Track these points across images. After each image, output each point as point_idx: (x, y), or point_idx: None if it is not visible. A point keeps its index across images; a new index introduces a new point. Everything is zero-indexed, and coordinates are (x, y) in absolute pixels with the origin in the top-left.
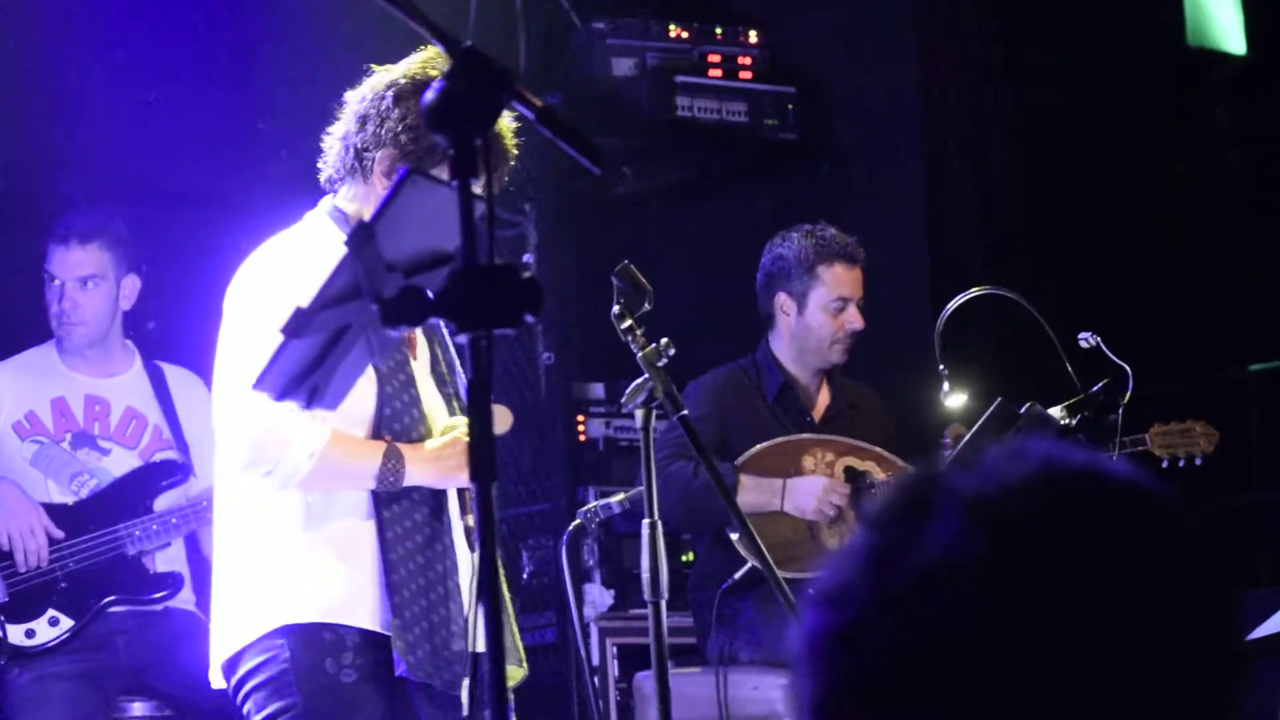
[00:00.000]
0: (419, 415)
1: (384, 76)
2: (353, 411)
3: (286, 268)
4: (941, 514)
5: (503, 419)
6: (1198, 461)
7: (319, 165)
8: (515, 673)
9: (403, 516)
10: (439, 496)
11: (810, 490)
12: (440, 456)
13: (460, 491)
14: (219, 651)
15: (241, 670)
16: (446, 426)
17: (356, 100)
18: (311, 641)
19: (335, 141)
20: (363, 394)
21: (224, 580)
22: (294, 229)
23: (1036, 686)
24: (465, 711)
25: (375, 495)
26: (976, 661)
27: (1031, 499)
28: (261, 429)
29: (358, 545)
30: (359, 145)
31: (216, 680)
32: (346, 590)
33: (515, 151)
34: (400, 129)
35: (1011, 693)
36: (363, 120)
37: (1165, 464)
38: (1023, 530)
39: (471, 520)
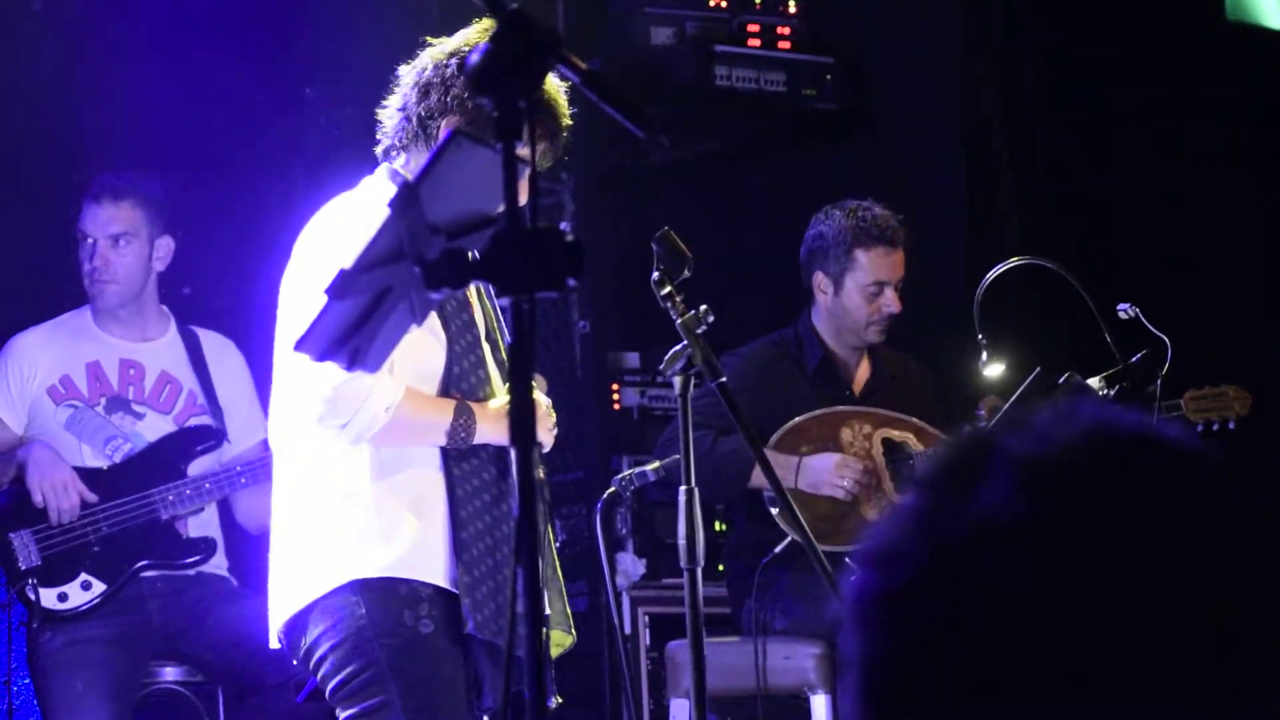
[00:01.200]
0: (485, 375)
1: (445, 46)
2: (423, 369)
3: (351, 228)
4: (994, 474)
5: (537, 386)
6: (1231, 425)
7: (372, 133)
8: (564, 639)
9: (471, 475)
10: (504, 456)
11: (823, 467)
12: (507, 414)
13: None
14: (282, 610)
15: (312, 631)
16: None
17: (415, 72)
18: (388, 594)
19: (394, 112)
20: (432, 352)
21: (287, 537)
22: (356, 191)
23: (1091, 644)
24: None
25: (445, 452)
26: (1030, 620)
27: (1085, 459)
28: (339, 381)
29: (428, 501)
30: (422, 114)
31: (275, 640)
32: (417, 545)
33: (568, 121)
34: (466, 95)
35: (1066, 650)
36: (425, 89)
37: (1200, 428)
38: (1077, 489)
39: (542, 473)
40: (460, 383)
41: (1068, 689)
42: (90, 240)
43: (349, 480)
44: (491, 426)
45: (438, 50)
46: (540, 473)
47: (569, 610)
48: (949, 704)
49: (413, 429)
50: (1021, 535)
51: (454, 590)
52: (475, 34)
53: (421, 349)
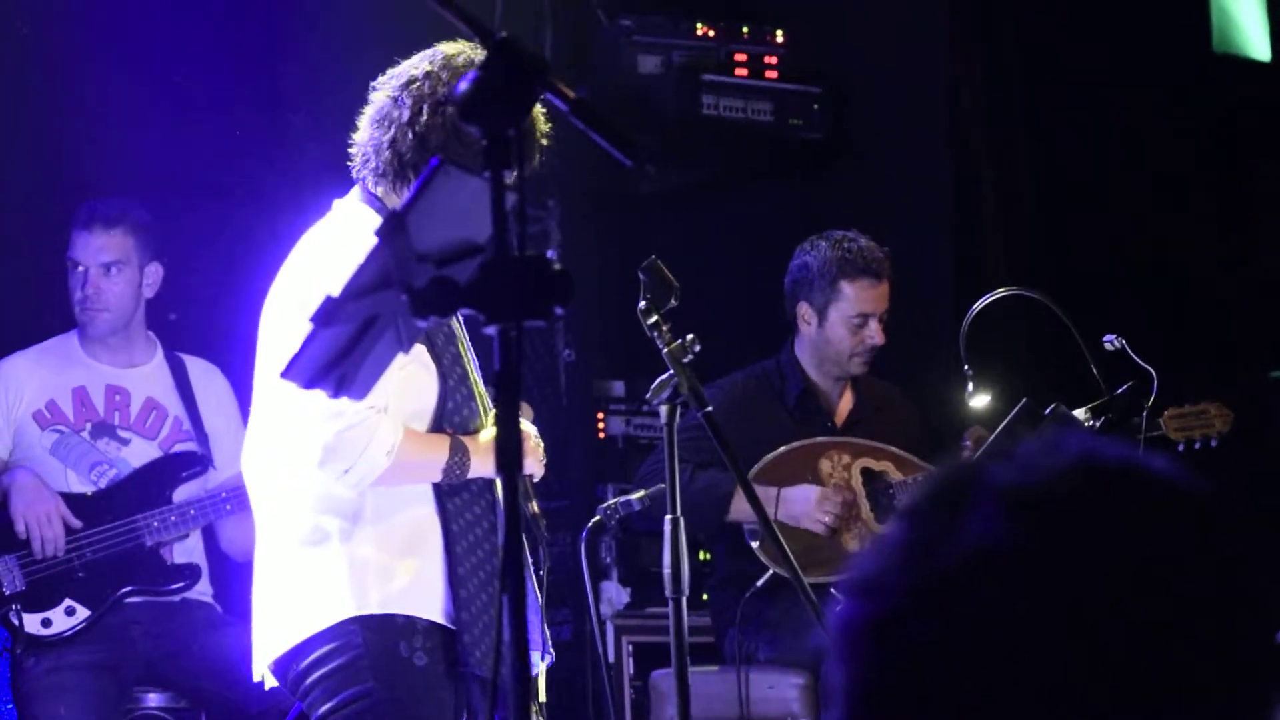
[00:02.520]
0: (477, 408)
1: (430, 84)
2: (417, 405)
3: (333, 257)
4: (978, 504)
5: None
6: (1213, 444)
7: (348, 157)
8: (541, 660)
9: (464, 509)
10: (492, 489)
11: (803, 498)
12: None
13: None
14: (275, 645)
15: (307, 660)
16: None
17: (401, 106)
18: (384, 628)
19: (380, 147)
20: (426, 387)
21: (278, 574)
22: (330, 218)
23: (1079, 670)
24: (543, 698)
25: (438, 488)
26: (1018, 647)
27: (1069, 490)
28: (341, 426)
29: (423, 538)
30: (417, 160)
31: (260, 673)
32: (414, 582)
33: (545, 141)
34: (448, 138)
35: (1054, 676)
36: (423, 136)
37: (1181, 448)
38: (1061, 520)
39: (535, 506)
40: (453, 416)
41: (1057, 709)
42: (81, 269)
43: (343, 519)
44: (483, 460)
45: (427, 87)
46: (534, 506)
47: (547, 629)
48: None
49: (411, 470)
50: (1008, 563)
51: (450, 625)
52: (458, 62)
53: (415, 385)
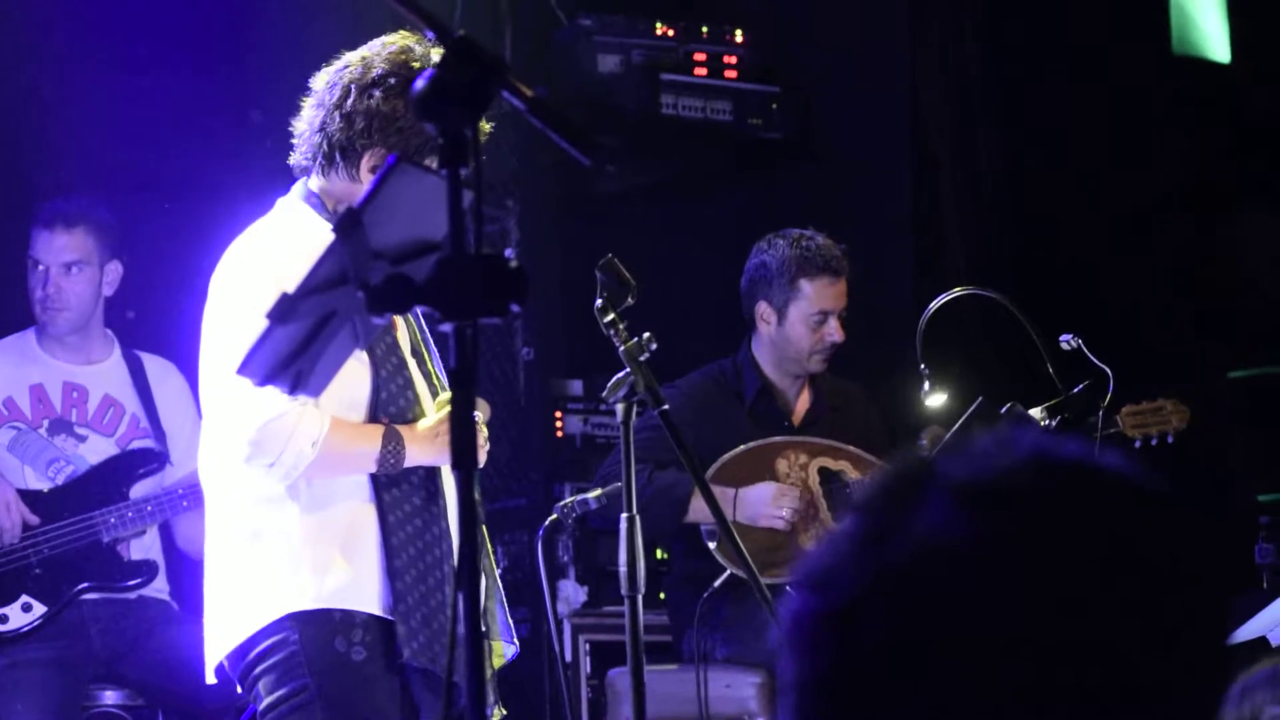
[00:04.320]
0: (413, 397)
1: (368, 69)
2: (349, 396)
3: (269, 255)
4: (930, 497)
5: (480, 411)
6: (1169, 440)
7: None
8: (506, 649)
9: (402, 501)
10: (434, 478)
11: (760, 498)
12: (438, 433)
13: None
14: (221, 644)
15: (249, 657)
16: (439, 402)
17: (333, 90)
18: (320, 623)
19: (311, 131)
20: (358, 377)
21: (222, 571)
22: (270, 217)
23: (1032, 661)
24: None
25: (375, 479)
26: (971, 638)
27: (1022, 484)
28: (263, 420)
29: (359, 531)
30: (344, 141)
31: (212, 675)
32: (351, 576)
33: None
34: (394, 128)
35: (1007, 668)
36: (349, 117)
37: (1138, 444)
38: (1013, 515)
39: (477, 492)
40: (389, 406)
41: (1009, 701)
42: (42, 268)
43: (280, 514)
44: (420, 448)
45: (353, 70)
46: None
47: (510, 619)
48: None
49: (341, 460)
50: (960, 557)
51: (389, 618)
52: (398, 54)
53: (346, 375)
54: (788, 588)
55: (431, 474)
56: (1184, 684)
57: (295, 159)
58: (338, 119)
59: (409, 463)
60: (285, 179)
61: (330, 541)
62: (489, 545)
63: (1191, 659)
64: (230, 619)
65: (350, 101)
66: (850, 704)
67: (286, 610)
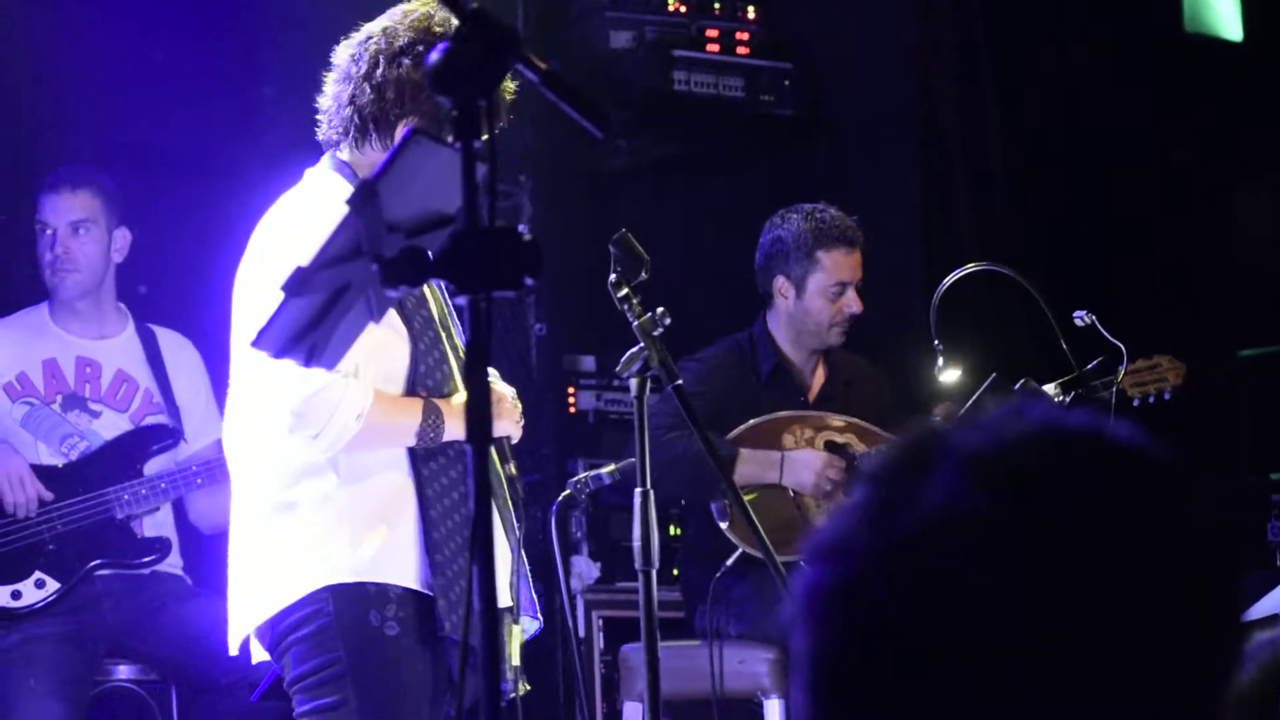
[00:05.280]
0: (449, 371)
1: (386, 39)
2: (388, 369)
3: (302, 224)
4: (940, 468)
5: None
6: (1167, 396)
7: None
8: (530, 624)
9: (440, 473)
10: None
11: (809, 464)
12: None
13: (498, 440)
14: (252, 616)
15: (281, 628)
16: None
17: (359, 62)
18: (355, 596)
19: (339, 105)
20: (397, 350)
21: (253, 543)
22: (301, 186)
23: (1038, 632)
24: (516, 662)
25: (412, 452)
26: (979, 608)
27: (1031, 454)
28: (308, 391)
29: (397, 503)
30: (376, 113)
31: (236, 644)
32: (388, 548)
33: (510, 97)
34: (425, 95)
35: (1014, 638)
36: (379, 88)
37: (1137, 403)
38: (1023, 486)
39: (514, 468)
40: (425, 380)
41: (1017, 675)
42: (50, 230)
43: (317, 486)
44: (458, 423)
45: (383, 42)
46: (511, 467)
47: (535, 595)
48: (899, 693)
49: (384, 433)
50: (970, 526)
51: (426, 591)
52: (420, 21)
53: (386, 349)
54: (800, 562)
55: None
56: (1197, 660)
57: (323, 134)
58: (368, 91)
59: (447, 436)
60: (297, 155)
61: (368, 514)
62: (515, 519)
63: (1205, 634)
64: (262, 591)
65: (379, 72)
66: (859, 675)
67: (323, 583)
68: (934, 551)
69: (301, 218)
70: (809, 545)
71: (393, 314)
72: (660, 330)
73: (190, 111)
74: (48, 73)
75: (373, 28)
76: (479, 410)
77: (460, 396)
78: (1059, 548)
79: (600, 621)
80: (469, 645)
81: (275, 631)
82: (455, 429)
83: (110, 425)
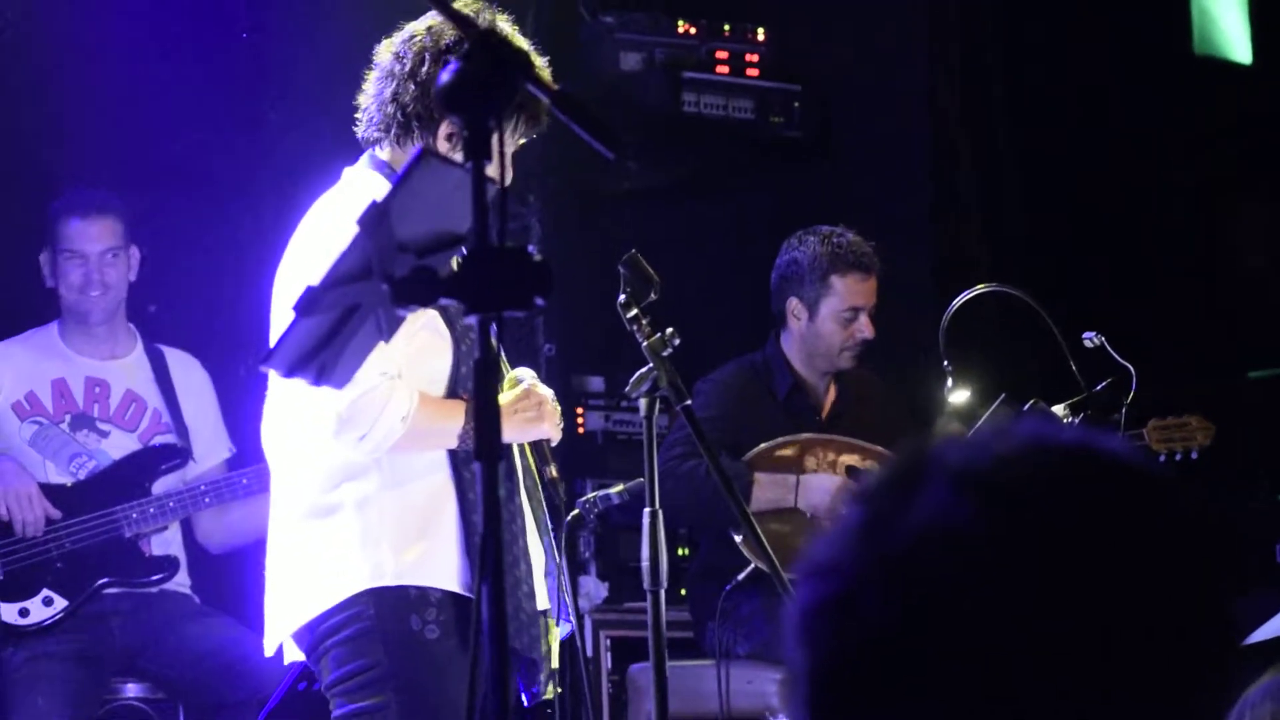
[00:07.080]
0: None
1: (431, 37)
2: (431, 371)
3: (342, 226)
4: (931, 483)
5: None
6: (1194, 455)
7: (334, 153)
8: (562, 627)
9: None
10: (511, 453)
11: (824, 488)
12: (516, 410)
13: (537, 443)
14: (292, 618)
15: (320, 631)
16: (510, 379)
17: (403, 60)
18: (397, 600)
19: (382, 102)
20: (439, 353)
21: (293, 546)
22: (340, 187)
23: (1030, 644)
24: (554, 665)
25: (453, 455)
26: (970, 622)
27: (1021, 468)
28: (355, 394)
29: (438, 506)
30: (420, 110)
31: (273, 646)
32: (429, 552)
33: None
34: None
35: (1006, 651)
36: (425, 85)
37: (1162, 458)
38: (1013, 499)
39: (554, 470)
40: (467, 382)
41: (1010, 687)
42: (82, 258)
43: (358, 489)
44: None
45: (428, 39)
46: (552, 470)
47: (567, 599)
48: (893, 707)
49: (427, 435)
50: (962, 538)
51: (467, 594)
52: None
53: (429, 352)
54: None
55: (505, 450)
56: (1190, 674)
57: (362, 132)
58: (412, 88)
59: None
60: (303, 174)
61: (409, 518)
62: (549, 521)
63: (1197, 647)
64: (302, 593)
65: (425, 70)
66: (853, 691)
67: (364, 586)
68: (924, 566)
69: (337, 218)
70: (802, 563)
71: (436, 317)
72: (670, 351)
73: (197, 133)
74: (56, 91)
75: (416, 26)
76: (489, 427)
77: (504, 397)
78: (1050, 558)
79: (608, 641)
80: (510, 649)
81: (315, 634)
82: None
83: (119, 445)
